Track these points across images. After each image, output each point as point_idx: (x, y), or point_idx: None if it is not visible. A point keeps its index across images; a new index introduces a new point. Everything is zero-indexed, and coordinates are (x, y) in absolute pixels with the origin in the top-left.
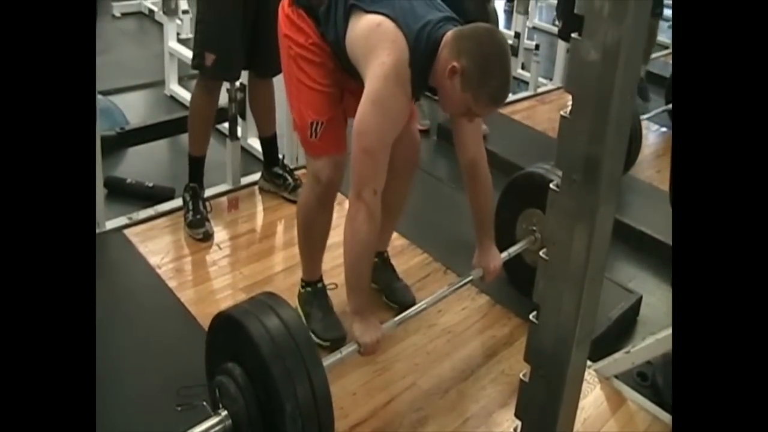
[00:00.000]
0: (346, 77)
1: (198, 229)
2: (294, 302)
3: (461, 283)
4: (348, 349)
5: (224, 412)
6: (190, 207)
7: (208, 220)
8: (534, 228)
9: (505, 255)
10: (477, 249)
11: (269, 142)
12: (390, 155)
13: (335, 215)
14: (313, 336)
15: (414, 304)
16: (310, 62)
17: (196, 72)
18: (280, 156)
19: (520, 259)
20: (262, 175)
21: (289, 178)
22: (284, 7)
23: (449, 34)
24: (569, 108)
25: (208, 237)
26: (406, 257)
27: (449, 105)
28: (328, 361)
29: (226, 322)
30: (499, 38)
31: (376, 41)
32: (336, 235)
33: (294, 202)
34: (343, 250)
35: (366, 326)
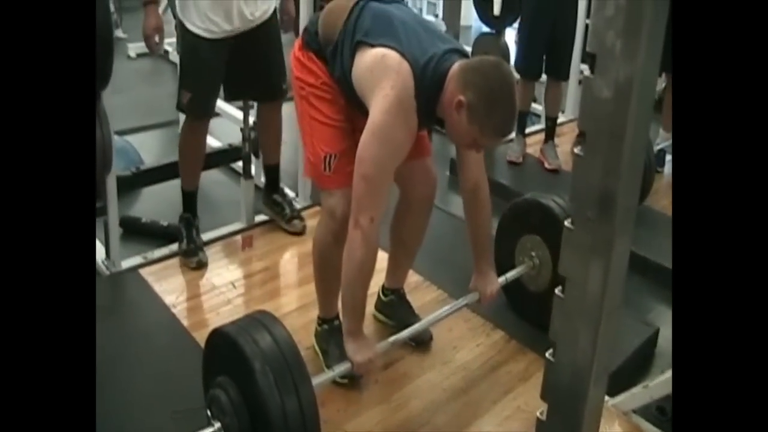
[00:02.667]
0: (356, 113)
1: (192, 258)
2: (309, 340)
3: (457, 307)
4: (340, 368)
5: (217, 424)
6: (184, 236)
7: (201, 249)
8: (533, 254)
9: (502, 280)
10: (474, 273)
11: (273, 170)
12: (406, 191)
13: None
14: (330, 373)
15: (431, 340)
16: (321, 99)
17: None
18: (290, 191)
19: (520, 285)
20: (262, 200)
21: (287, 207)
22: (295, 51)
23: (456, 66)
24: (583, 145)
25: (201, 265)
26: (420, 294)
27: (456, 136)
28: (321, 378)
29: (220, 338)
30: (505, 71)
31: (380, 72)
32: None
33: (290, 232)
34: (342, 274)
35: (359, 345)
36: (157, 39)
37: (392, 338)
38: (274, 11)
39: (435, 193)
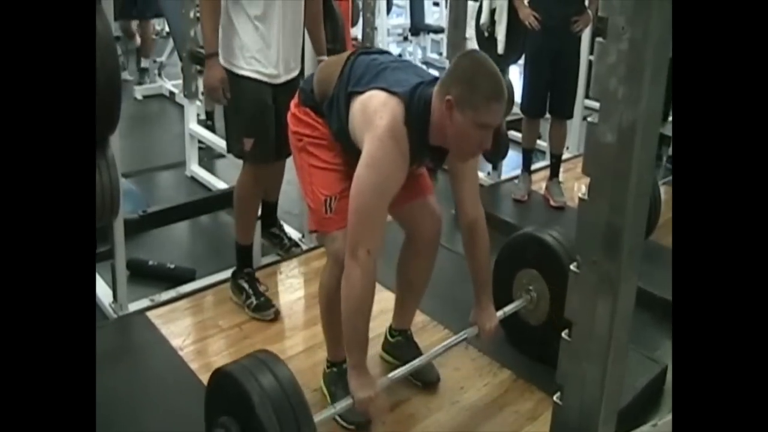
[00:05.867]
0: (354, 159)
1: (268, 311)
2: (316, 382)
3: (457, 341)
4: (342, 404)
5: None
6: (251, 293)
7: (270, 299)
8: (530, 288)
9: (500, 314)
10: (474, 307)
11: (271, 206)
12: (411, 233)
13: None
14: (337, 417)
15: (438, 381)
16: (319, 146)
17: (217, 153)
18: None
19: (518, 318)
20: (261, 233)
21: (284, 237)
22: (292, 108)
23: (436, 87)
24: (587, 189)
25: (278, 314)
26: (427, 333)
27: (462, 142)
28: (322, 415)
29: (222, 378)
30: (472, 53)
31: (371, 111)
32: None
33: (287, 258)
34: (341, 308)
35: (362, 382)
36: (222, 90)
37: (392, 374)
38: (299, 73)
39: (441, 232)
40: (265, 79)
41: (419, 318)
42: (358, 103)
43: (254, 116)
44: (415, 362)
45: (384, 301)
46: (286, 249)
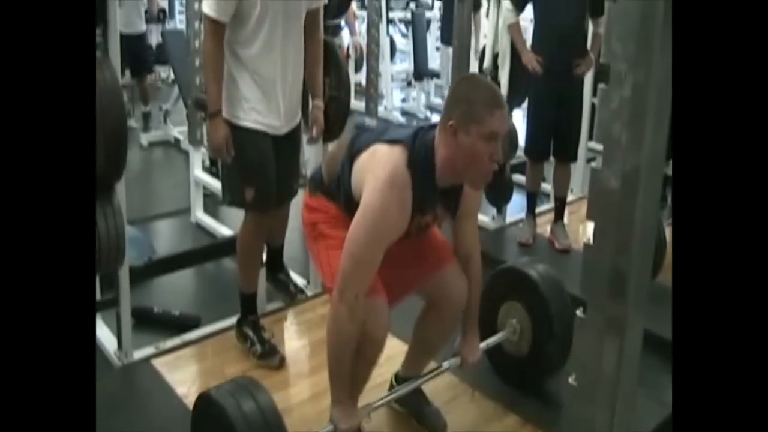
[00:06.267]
0: None
1: (273, 358)
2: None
3: (439, 371)
4: (323, 431)
5: None
6: (256, 341)
7: (276, 346)
8: (514, 320)
9: (483, 345)
10: (459, 337)
11: (277, 251)
12: (434, 304)
13: None
14: None
15: (446, 428)
16: (334, 227)
17: (221, 199)
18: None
19: (502, 349)
20: (266, 278)
21: (290, 284)
22: (305, 200)
23: (439, 123)
24: (592, 234)
25: (283, 361)
26: (434, 380)
27: (473, 162)
28: None
29: (207, 402)
30: (466, 76)
31: (374, 164)
32: None
33: (292, 305)
34: (327, 346)
35: (345, 414)
36: (226, 148)
37: (376, 401)
38: (300, 122)
39: (464, 301)
40: (265, 129)
41: None
42: (360, 160)
43: (255, 166)
44: (400, 390)
45: (391, 347)
46: (292, 295)
